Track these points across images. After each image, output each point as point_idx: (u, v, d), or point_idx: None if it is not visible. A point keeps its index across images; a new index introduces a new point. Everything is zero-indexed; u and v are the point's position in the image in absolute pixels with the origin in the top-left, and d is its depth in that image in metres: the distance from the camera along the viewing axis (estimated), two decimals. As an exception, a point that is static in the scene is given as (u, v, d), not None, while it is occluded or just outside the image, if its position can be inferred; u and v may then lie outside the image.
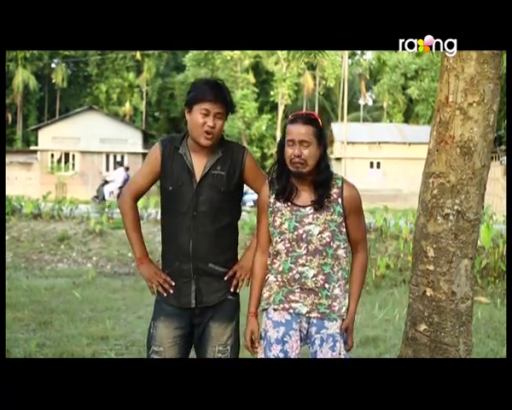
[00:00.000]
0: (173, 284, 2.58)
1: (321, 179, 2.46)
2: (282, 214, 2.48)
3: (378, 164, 31.37)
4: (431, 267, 2.76)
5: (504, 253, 8.64)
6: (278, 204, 2.50)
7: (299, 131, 2.41)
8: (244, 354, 2.68)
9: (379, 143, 31.26)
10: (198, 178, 2.55)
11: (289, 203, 2.48)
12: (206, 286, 2.57)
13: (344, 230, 2.48)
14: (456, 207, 2.72)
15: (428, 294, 2.77)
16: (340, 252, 2.48)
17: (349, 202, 2.47)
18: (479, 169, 2.71)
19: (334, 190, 2.46)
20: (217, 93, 2.51)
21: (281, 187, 2.49)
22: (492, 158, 3.65)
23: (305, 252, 2.44)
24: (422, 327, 2.79)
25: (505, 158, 20.87)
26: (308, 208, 2.46)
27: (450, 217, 2.72)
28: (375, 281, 8.53)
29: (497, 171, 22.44)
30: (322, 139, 2.46)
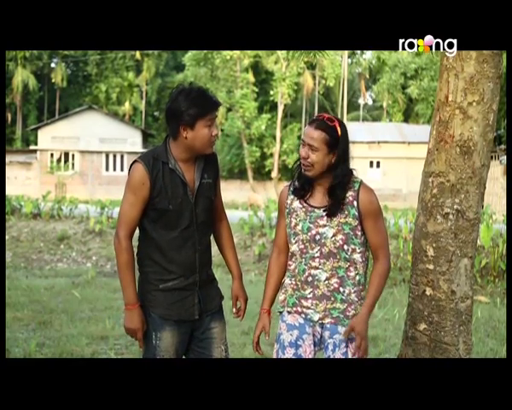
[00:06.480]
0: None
1: (334, 185, 2.40)
2: (297, 215, 2.47)
3: (378, 163, 31.31)
4: (431, 267, 2.76)
5: (504, 252, 8.64)
6: (294, 205, 2.48)
7: (311, 134, 2.38)
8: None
9: (378, 142, 31.19)
10: (193, 189, 2.49)
11: (304, 204, 2.46)
12: (207, 295, 2.56)
13: (360, 233, 2.42)
14: (455, 207, 2.72)
15: (428, 293, 2.77)
16: (356, 256, 2.42)
17: (364, 205, 2.40)
18: (478, 168, 2.72)
19: (350, 193, 2.41)
20: (214, 99, 2.46)
21: (299, 185, 2.48)
22: (492, 157, 3.64)
23: (318, 254, 2.41)
24: (422, 326, 2.79)
25: (505, 157, 20.86)
26: (322, 210, 2.42)
27: (450, 216, 2.72)
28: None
29: (496, 170, 22.43)
30: (338, 148, 2.37)
